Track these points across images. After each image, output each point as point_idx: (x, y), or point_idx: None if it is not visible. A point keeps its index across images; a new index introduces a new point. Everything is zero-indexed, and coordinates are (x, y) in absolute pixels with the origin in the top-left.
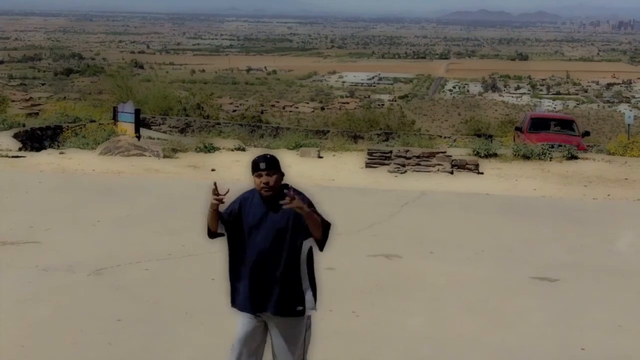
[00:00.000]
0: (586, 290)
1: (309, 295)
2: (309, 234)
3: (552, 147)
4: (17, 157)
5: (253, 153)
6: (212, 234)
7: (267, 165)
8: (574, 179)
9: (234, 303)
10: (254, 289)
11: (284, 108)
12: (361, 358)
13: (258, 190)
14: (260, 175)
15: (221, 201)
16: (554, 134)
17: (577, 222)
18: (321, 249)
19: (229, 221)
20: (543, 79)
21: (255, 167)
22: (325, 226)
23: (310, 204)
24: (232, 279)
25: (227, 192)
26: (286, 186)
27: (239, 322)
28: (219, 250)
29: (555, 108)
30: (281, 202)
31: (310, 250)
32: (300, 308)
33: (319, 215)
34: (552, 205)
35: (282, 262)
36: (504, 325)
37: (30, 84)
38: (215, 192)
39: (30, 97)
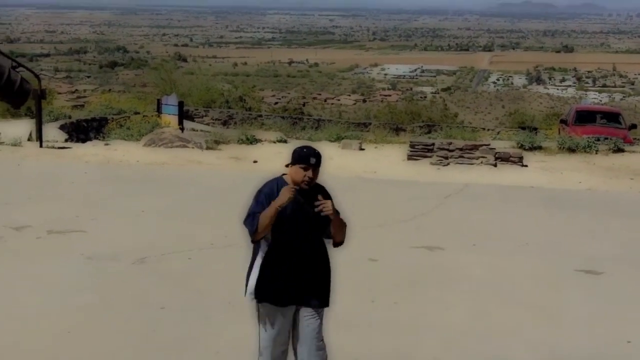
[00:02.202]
0: (632, 284)
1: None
2: (328, 232)
3: (598, 139)
4: (63, 148)
5: (295, 145)
6: (257, 238)
7: (317, 161)
8: (620, 172)
9: (265, 296)
10: (290, 279)
11: (325, 100)
12: (402, 348)
13: (298, 181)
14: (307, 169)
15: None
16: (599, 127)
17: (623, 215)
18: (336, 246)
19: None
20: (589, 72)
21: (304, 159)
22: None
23: (329, 197)
24: (263, 270)
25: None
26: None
27: (267, 321)
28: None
29: (601, 101)
30: (316, 204)
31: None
32: (330, 298)
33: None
34: (597, 198)
35: (317, 254)
36: (547, 318)
37: (75, 77)
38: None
39: (76, 90)
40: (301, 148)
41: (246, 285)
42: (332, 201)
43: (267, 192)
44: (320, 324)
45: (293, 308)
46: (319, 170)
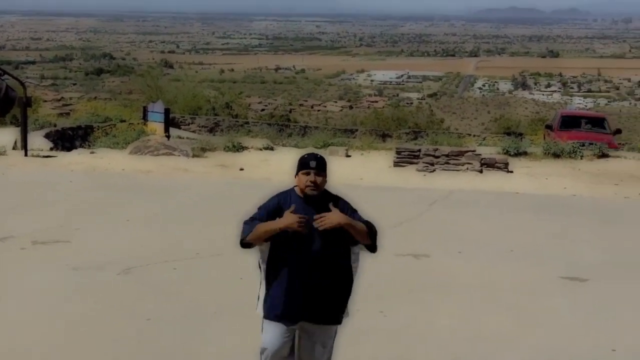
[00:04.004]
0: (617, 291)
1: (349, 302)
2: (355, 240)
3: (583, 145)
4: (48, 156)
5: (281, 152)
6: (247, 244)
7: (317, 164)
8: (605, 178)
9: (271, 313)
10: (298, 296)
11: (312, 107)
12: (392, 357)
13: (302, 188)
14: (308, 173)
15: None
16: (585, 132)
17: (608, 221)
18: (373, 251)
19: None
20: (574, 77)
21: (304, 164)
22: (370, 229)
23: (351, 209)
24: (272, 286)
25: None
26: (329, 193)
27: (271, 334)
28: (247, 251)
29: (586, 106)
30: (315, 217)
31: (357, 256)
32: (344, 317)
33: (360, 220)
34: (583, 204)
35: (332, 268)
36: (532, 325)
37: (61, 84)
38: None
39: (62, 97)
40: (303, 155)
41: (258, 299)
42: (349, 205)
43: (273, 205)
44: (326, 343)
45: (296, 326)
46: (325, 175)
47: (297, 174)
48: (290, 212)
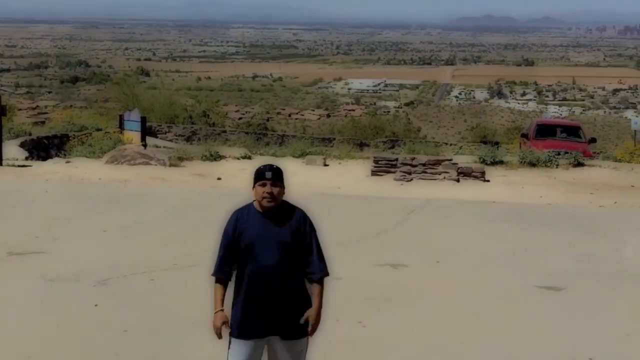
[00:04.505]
0: (593, 299)
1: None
2: (312, 250)
3: (559, 154)
4: (23, 166)
5: (259, 161)
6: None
7: (273, 175)
8: (580, 186)
9: (238, 331)
10: (263, 311)
11: (289, 115)
12: None
13: (259, 200)
14: (264, 185)
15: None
16: (560, 141)
17: (584, 230)
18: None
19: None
20: (549, 85)
21: (260, 175)
22: (321, 280)
23: (311, 227)
24: (236, 304)
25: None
26: (288, 205)
27: (238, 353)
28: None
29: (561, 114)
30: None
31: None
32: (309, 328)
33: (315, 244)
34: (558, 212)
35: (292, 280)
36: (510, 333)
37: (36, 92)
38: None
39: (37, 106)
40: (259, 167)
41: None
42: (308, 221)
43: (232, 228)
44: (298, 354)
45: (264, 341)
46: (282, 186)
47: (254, 186)
48: (220, 322)
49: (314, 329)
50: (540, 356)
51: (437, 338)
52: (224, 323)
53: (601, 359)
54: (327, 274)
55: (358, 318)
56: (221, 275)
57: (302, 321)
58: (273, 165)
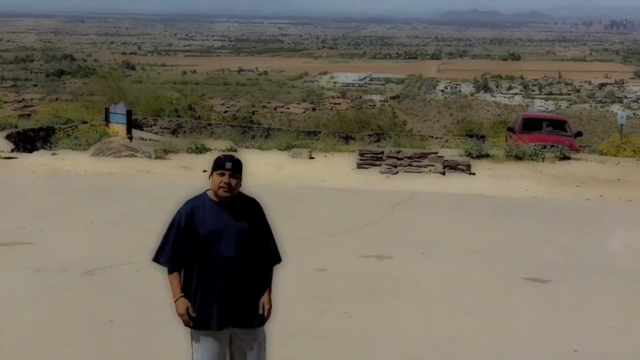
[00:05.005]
0: (579, 291)
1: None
2: (269, 239)
3: (545, 147)
4: (9, 158)
5: (245, 154)
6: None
7: (232, 166)
8: (566, 180)
9: (198, 323)
10: (223, 301)
11: (275, 109)
12: (354, 359)
13: (215, 189)
14: (222, 174)
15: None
16: (546, 135)
17: (570, 223)
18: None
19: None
20: (535, 79)
21: (219, 165)
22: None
23: (265, 215)
24: (194, 296)
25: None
26: (244, 196)
27: (202, 347)
28: None
29: (547, 108)
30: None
31: None
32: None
33: (268, 236)
34: (544, 206)
35: (250, 269)
36: (496, 325)
37: (22, 85)
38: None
39: (23, 99)
40: (219, 156)
41: None
42: (262, 211)
43: (187, 214)
44: (260, 344)
45: (228, 331)
46: (240, 178)
47: (211, 174)
48: (184, 307)
49: (269, 314)
50: (527, 348)
51: (424, 330)
52: (187, 308)
53: (587, 351)
54: (281, 260)
55: (344, 309)
56: (174, 266)
57: (260, 310)
58: (233, 157)
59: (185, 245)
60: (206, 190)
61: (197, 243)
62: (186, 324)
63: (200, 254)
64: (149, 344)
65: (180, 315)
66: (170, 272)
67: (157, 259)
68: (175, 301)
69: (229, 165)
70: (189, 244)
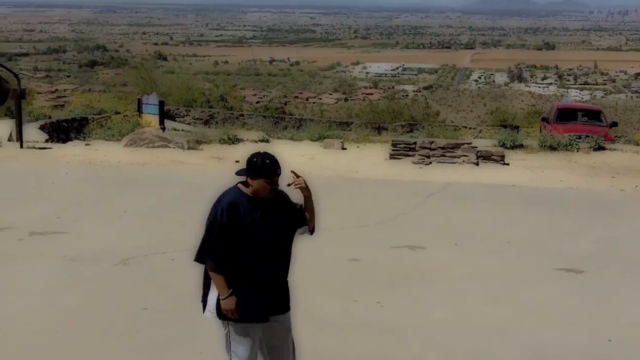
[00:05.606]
0: (613, 282)
1: None
2: (302, 222)
3: (579, 138)
4: (43, 148)
5: (277, 145)
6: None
7: (280, 170)
8: (601, 170)
9: (244, 317)
10: (267, 294)
11: (307, 99)
12: (386, 348)
13: (265, 195)
14: (272, 182)
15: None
16: (581, 125)
17: (604, 214)
18: (312, 233)
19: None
20: (570, 69)
21: (269, 172)
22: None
23: (289, 199)
24: (238, 290)
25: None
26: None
27: (247, 342)
28: None
29: (582, 98)
30: (289, 183)
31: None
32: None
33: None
34: (579, 196)
35: (284, 262)
36: (528, 316)
37: (55, 76)
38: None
39: (56, 89)
40: (261, 158)
41: (204, 302)
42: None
43: (229, 205)
44: (289, 329)
45: (262, 325)
46: None
47: (256, 176)
48: (234, 304)
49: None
50: (560, 338)
51: (454, 320)
52: (236, 303)
53: (620, 340)
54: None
55: (376, 299)
56: (220, 266)
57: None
58: (275, 159)
59: (228, 243)
60: (237, 185)
61: (239, 239)
62: (233, 319)
63: (241, 250)
64: (183, 332)
65: (231, 312)
66: (215, 271)
67: (201, 259)
68: (224, 299)
69: (279, 171)
70: (231, 240)
